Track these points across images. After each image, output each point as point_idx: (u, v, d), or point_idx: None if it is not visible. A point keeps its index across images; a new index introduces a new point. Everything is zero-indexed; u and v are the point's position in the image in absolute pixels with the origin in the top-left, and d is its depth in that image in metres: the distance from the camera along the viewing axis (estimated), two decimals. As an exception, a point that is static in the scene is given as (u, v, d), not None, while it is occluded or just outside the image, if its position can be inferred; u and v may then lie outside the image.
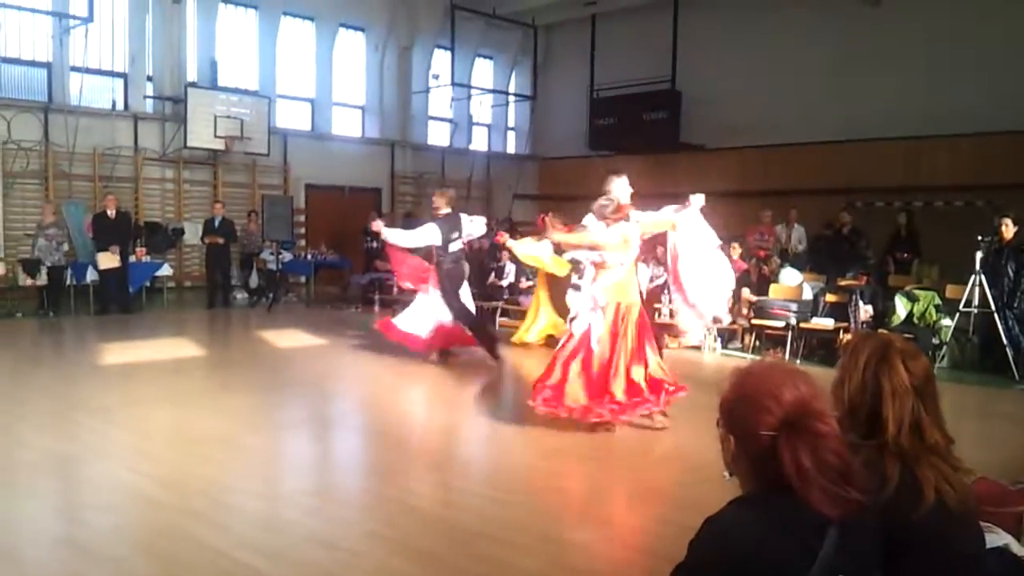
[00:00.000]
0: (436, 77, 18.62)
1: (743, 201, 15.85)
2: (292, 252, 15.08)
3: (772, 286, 10.69)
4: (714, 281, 6.33)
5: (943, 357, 9.13)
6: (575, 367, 6.00)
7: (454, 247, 8.94)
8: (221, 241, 13.55)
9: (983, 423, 6.75)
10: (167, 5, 14.54)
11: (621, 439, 6.15)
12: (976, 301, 8.86)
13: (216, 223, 13.64)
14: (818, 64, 15.36)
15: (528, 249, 9.42)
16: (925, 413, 1.99)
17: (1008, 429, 6.77)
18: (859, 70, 14.77)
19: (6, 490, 4.62)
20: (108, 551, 3.79)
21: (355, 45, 17.94)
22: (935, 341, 9.14)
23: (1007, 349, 8.74)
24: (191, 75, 15.03)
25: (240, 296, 14.43)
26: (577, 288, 7.84)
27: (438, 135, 19.61)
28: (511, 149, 21.37)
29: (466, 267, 9.36)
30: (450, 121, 19.67)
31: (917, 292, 9.63)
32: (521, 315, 11.61)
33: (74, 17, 13.55)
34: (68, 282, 12.52)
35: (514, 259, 11.22)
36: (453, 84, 18.31)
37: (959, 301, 9.09)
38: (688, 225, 6.24)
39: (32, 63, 13.83)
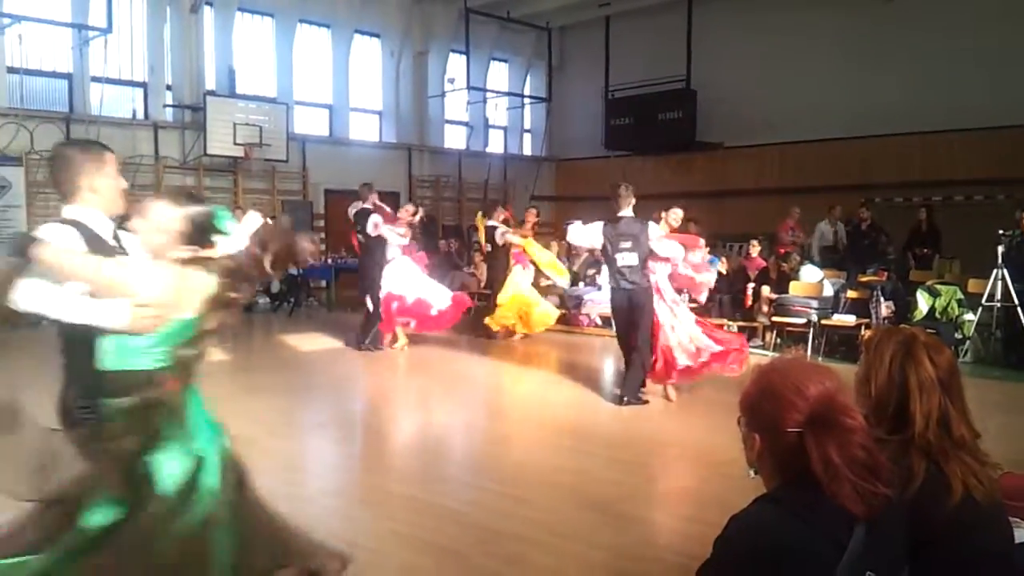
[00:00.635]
0: (452, 81, 18.66)
1: (761, 199, 15.83)
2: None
3: (792, 283, 10.65)
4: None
5: (966, 352, 9.06)
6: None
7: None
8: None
9: (1008, 417, 6.68)
10: (185, 15, 14.68)
11: (642, 438, 6.16)
12: (999, 295, 8.79)
13: (236, 229, 13.69)
14: (834, 60, 15.26)
15: (547, 256, 9.83)
16: (952, 407, 1.98)
17: (1033, 424, 6.71)
18: (875, 65, 14.65)
19: None
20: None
21: (371, 51, 18.03)
22: (958, 336, 9.07)
23: (1031, 343, 8.68)
24: (209, 83, 15.15)
25: (262, 301, 14.53)
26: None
27: (454, 138, 19.65)
28: (527, 151, 21.37)
29: None
30: (466, 124, 19.71)
31: (939, 287, 9.55)
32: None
33: (93, 28, 13.68)
34: (92, 290, 12.63)
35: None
36: (469, 88, 18.33)
37: (981, 296, 9.02)
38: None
39: (53, 74, 13.98)
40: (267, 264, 2.63)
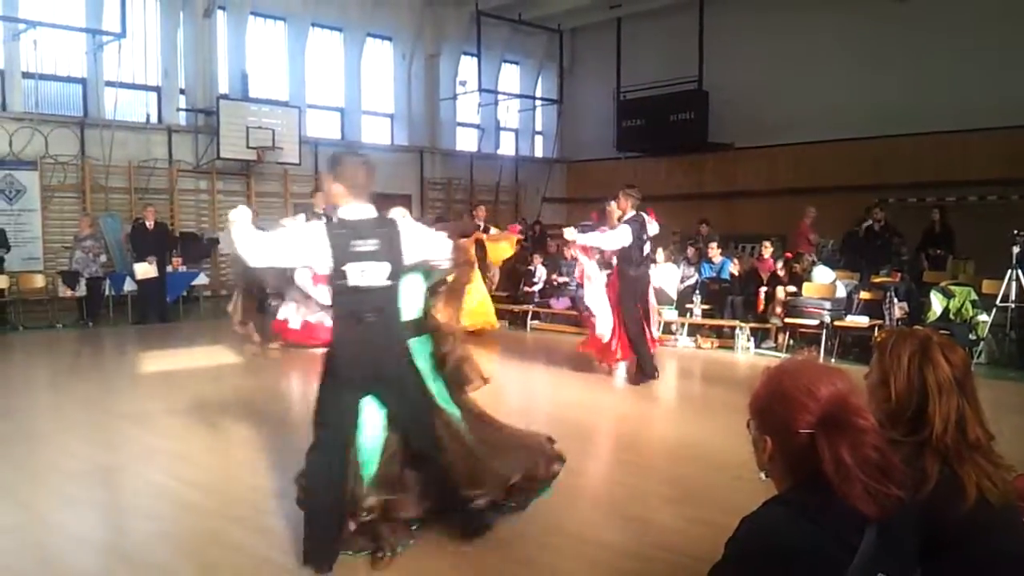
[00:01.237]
0: (463, 84, 18.71)
1: (773, 200, 15.78)
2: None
3: (805, 284, 10.61)
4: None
5: (980, 353, 9.00)
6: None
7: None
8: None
9: (1023, 419, 6.64)
10: (198, 19, 14.78)
11: (651, 440, 6.15)
12: (1013, 296, 8.74)
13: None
14: (845, 60, 15.21)
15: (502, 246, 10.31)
16: (967, 408, 1.98)
17: (1049, 426, 6.66)
18: (886, 65, 14.60)
19: (51, 499, 4.72)
20: (151, 558, 3.85)
21: (383, 54, 18.09)
22: (972, 337, 9.01)
23: (1046, 344, 8.62)
24: (222, 87, 15.25)
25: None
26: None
27: (466, 141, 19.70)
28: (539, 153, 21.39)
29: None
30: (478, 127, 19.75)
31: (953, 288, 9.49)
32: (551, 318, 11.85)
33: (107, 33, 13.79)
34: (107, 293, 12.75)
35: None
36: (480, 90, 18.38)
37: (996, 296, 8.96)
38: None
39: (68, 79, 14.12)
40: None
